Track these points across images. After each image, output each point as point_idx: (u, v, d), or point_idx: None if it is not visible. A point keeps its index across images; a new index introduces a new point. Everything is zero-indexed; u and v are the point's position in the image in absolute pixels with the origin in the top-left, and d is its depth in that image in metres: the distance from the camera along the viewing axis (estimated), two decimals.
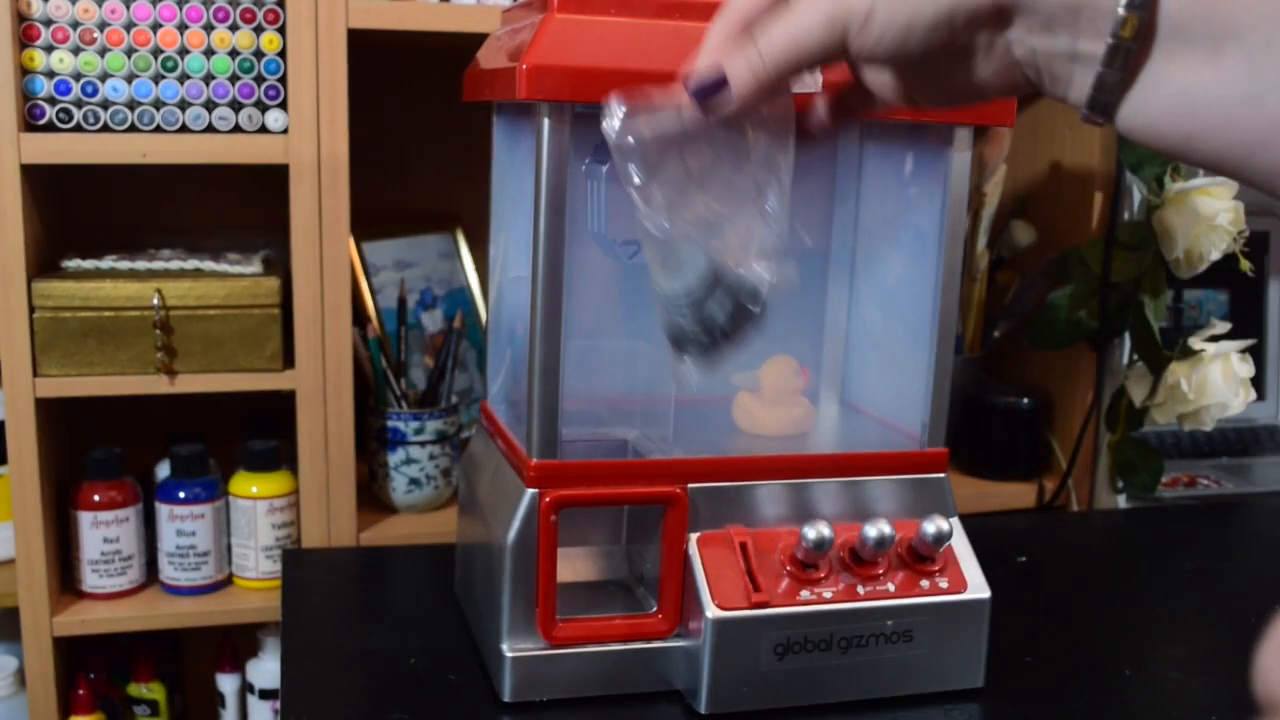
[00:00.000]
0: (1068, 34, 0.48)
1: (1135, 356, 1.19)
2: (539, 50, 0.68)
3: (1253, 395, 1.18)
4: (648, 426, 0.84)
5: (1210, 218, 1.11)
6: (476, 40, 0.91)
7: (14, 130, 0.96)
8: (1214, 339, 1.17)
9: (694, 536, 0.76)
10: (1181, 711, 0.79)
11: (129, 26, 0.99)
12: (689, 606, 0.76)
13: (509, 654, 0.75)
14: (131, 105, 1.00)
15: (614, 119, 0.59)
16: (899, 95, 0.57)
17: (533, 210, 0.72)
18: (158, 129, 1.00)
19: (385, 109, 1.25)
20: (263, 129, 1.02)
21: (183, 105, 1.01)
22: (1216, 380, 1.14)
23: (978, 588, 0.79)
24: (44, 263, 1.05)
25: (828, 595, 0.76)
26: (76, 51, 0.98)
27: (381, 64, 1.22)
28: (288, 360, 1.05)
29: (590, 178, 0.80)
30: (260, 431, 1.17)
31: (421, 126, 1.28)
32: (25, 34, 0.97)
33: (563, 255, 0.72)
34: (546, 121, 0.70)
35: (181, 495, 1.07)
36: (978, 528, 0.82)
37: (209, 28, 1.00)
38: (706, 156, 0.60)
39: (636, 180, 0.59)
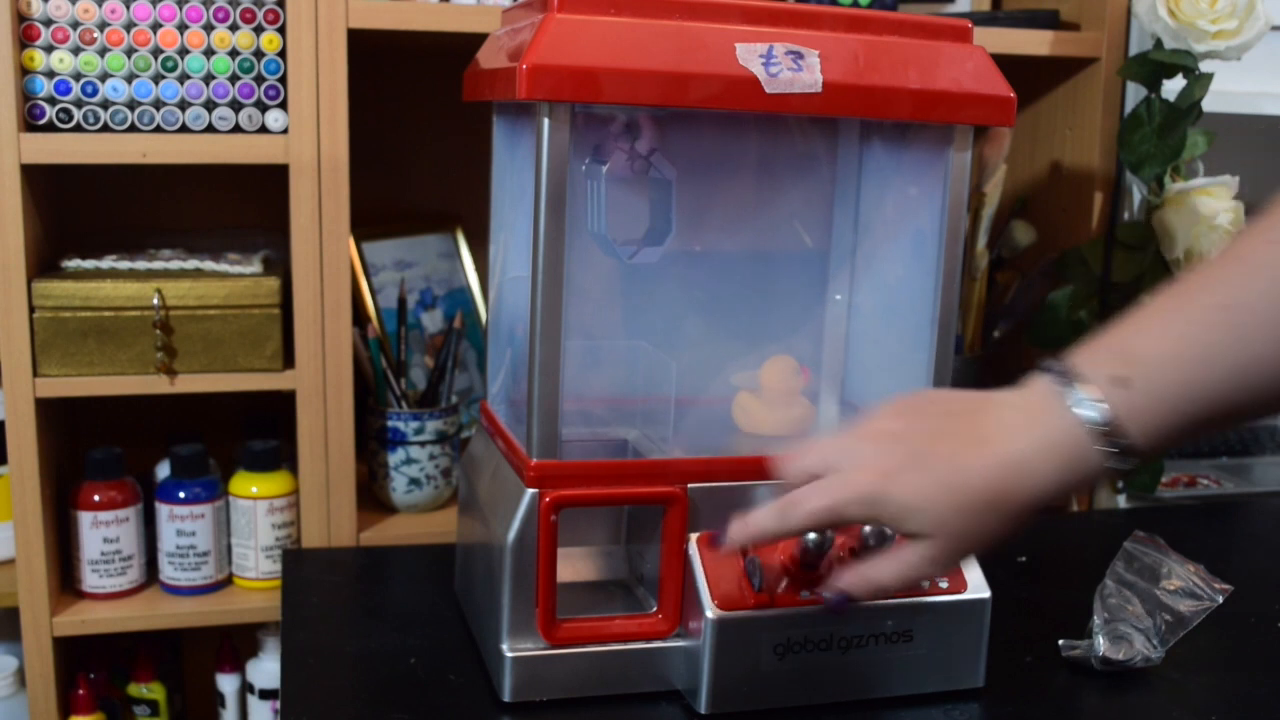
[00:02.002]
0: None
1: None
2: (539, 50, 0.68)
3: None
4: (648, 426, 0.84)
5: (1210, 218, 1.11)
6: (476, 40, 0.91)
7: (14, 130, 0.96)
8: None
9: (694, 536, 0.76)
10: (1181, 711, 0.79)
11: (129, 26, 0.99)
12: (689, 606, 0.76)
13: (509, 654, 0.75)
14: (131, 105, 1.00)
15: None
16: None
17: (533, 210, 0.72)
18: (158, 129, 1.00)
19: (385, 109, 1.25)
20: (263, 129, 1.02)
21: (183, 105, 1.01)
22: None
23: (978, 588, 0.79)
24: (44, 263, 1.05)
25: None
26: (76, 51, 0.98)
27: (381, 64, 1.22)
28: (288, 360, 1.05)
29: (590, 178, 0.80)
30: (260, 431, 1.17)
31: (421, 126, 1.28)
32: (25, 34, 0.97)
33: (563, 255, 0.72)
34: (546, 121, 0.70)
35: (181, 495, 1.07)
36: None
37: (209, 28, 1.00)
38: None
39: None
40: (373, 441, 1.14)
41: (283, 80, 1.02)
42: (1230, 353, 0.56)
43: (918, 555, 0.62)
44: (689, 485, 0.76)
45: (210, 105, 1.01)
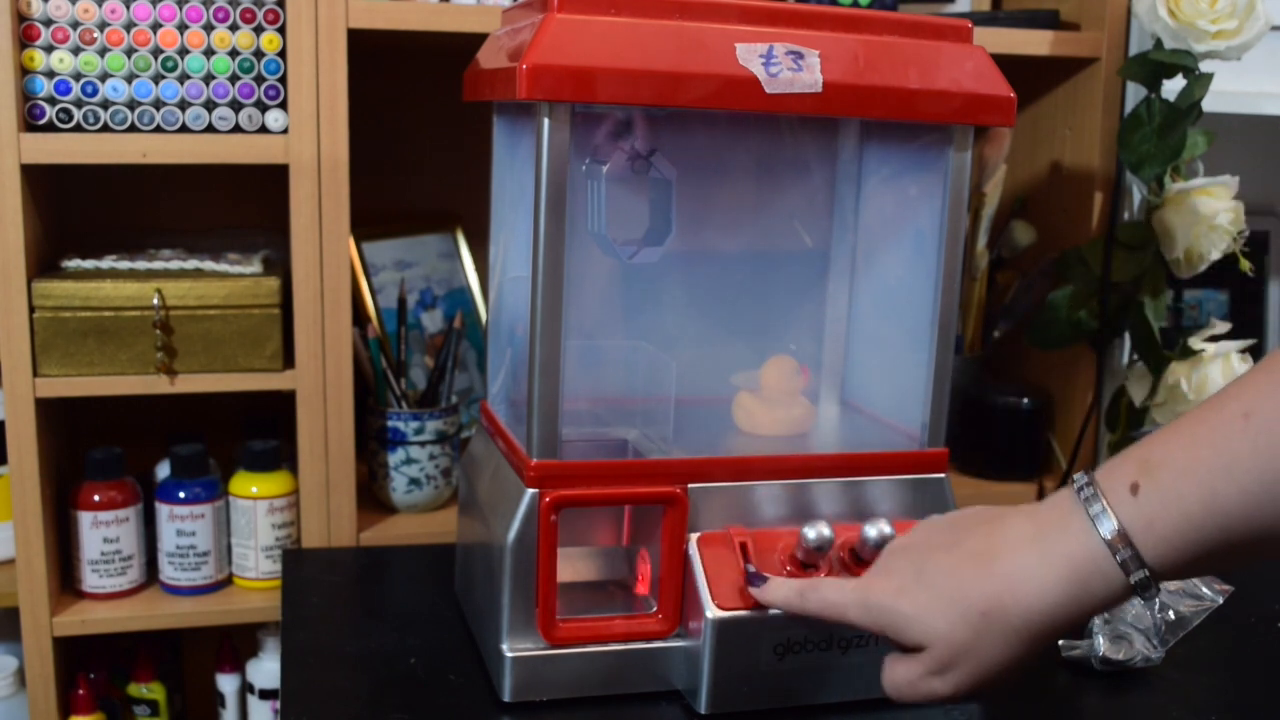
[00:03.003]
0: None
1: (1135, 356, 1.20)
2: (539, 50, 0.68)
3: None
4: (648, 426, 0.84)
5: (1210, 218, 1.11)
6: (476, 40, 0.91)
7: (14, 130, 0.96)
8: (1214, 339, 1.17)
9: (694, 536, 0.76)
10: (1182, 711, 0.79)
11: (129, 26, 0.99)
12: (689, 606, 0.76)
13: (509, 654, 0.75)
14: (131, 105, 1.00)
15: None
16: None
17: (533, 210, 0.72)
18: (158, 129, 1.00)
19: (385, 109, 1.25)
20: (263, 129, 1.02)
21: (183, 105, 1.01)
22: (1216, 380, 1.14)
23: None
24: (44, 263, 1.05)
25: None
26: (76, 51, 0.98)
27: (381, 64, 1.22)
28: (288, 360, 1.05)
29: (590, 178, 0.80)
30: (260, 431, 1.17)
31: (421, 126, 1.28)
32: (25, 34, 0.97)
33: (563, 255, 0.72)
34: (546, 121, 0.70)
35: (181, 495, 1.07)
36: None
37: (209, 28, 1.00)
38: None
39: None
40: (373, 441, 1.14)
41: (283, 80, 1.02)
42: (1253, 465, 0.52)
43: (920, 663, 0.61)
44: (689, 485, 0.76)
45: (210, 105, 1.01)
